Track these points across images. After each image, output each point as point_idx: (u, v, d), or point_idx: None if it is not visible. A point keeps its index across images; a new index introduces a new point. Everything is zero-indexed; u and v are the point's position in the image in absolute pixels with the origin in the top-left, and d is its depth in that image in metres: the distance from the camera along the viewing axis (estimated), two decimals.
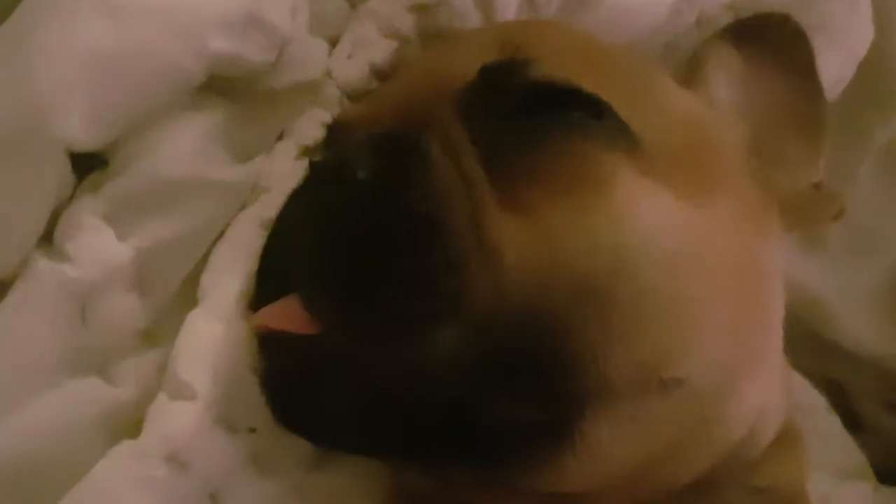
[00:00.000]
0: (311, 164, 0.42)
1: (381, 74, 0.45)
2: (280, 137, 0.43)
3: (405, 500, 0.40)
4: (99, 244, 0.36)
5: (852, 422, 0.61)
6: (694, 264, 0.34)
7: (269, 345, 0.36)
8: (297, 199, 0.37)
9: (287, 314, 0.33)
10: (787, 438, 0.41)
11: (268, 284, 0.37)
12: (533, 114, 0.35)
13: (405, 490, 0.40)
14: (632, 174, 0.35)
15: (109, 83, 0.35)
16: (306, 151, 0.43)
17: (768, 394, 0.39)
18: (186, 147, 0.38)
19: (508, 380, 0.32)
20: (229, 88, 0.40)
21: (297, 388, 0.35)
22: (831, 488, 0.56)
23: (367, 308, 0.32)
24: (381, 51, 0.44)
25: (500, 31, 0.42)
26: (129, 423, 0.36)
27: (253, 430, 0.36)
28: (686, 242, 0.35)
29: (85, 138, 0.35)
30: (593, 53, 0.41)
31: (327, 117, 0.43)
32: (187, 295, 0.39)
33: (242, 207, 0.41)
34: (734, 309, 0.36)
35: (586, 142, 0.34)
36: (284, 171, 0.41)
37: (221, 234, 0.40)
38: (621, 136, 0.35)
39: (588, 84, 0.36)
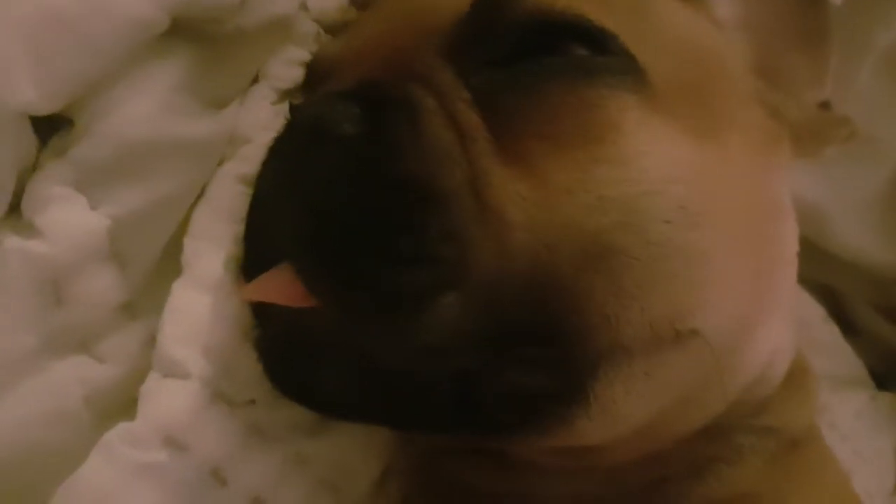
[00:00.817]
0: (292, 109, 0.39)
1: (359, 2, 0.41)
2: (255, 80, 0.40)
3: (407, 458, 0.40)
4: (70, 215, 0.33)
5: (848, 327, 0.61)
6: (707, 211, 0.32)
7: (264, 313, 0.34)
8: (280, 155, 0.34)
9: (280, 287, 0.31)
10: (797, 375, 0.41)
11: (256, 249, 0.35)
12: (531, 53, 0.32)
13: (408, 445, 0.40)
14: (639, 116, 0.32)
15: (62, 42, 0.32)
16: (284, 95, 0.40)
17: (780, 335, 0.38)
18: (154, 102, 0.35)
19: (518, 347, 0.31)
20: (196, 31, 0.37)
21: (296, 357, 0.33)
22: (830, 396, 0.57)
23: (365, 282, 0.30)
24: None
25: None
26: (118, 402, 0.35)
27: (252, 402, 0.34)
28: (698, 188, 0.33)
29: (41, 102, 0.32)
30: None
31: (304, 55, 0.40)
32: (169, 260, 0.36)
33: (221, 162, 0.38)
34: (749, 254, 0.35)
35: (590, 86, 0.32)
36: (262, 118, 0.38)
37: (202, 193, 0.37)
38: (628, 71, 0.33)
39: (589, 10, 0.33)
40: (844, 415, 0.57)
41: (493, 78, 0.32)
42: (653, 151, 0.32)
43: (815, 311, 0.60)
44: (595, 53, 0.32)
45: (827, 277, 0.62)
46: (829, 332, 0.60)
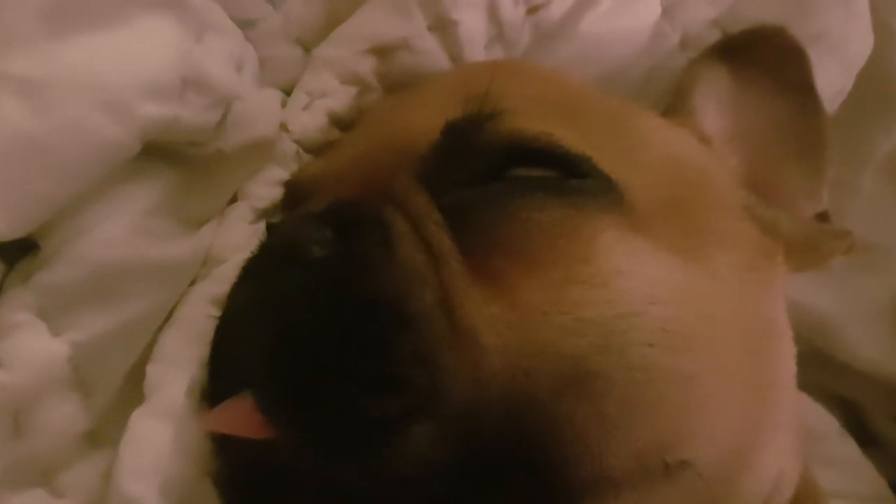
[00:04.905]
0: (268, 228, 0.38)
1: (341, 123, 0.41)
2: (235, 198, 0.40)
3: None
4: (31, 343, 0.32)
5: (867, 437, 0.58)
6: (693, 333, 0.31)
7: (226, 444, 0.33)
8: (250, 277, 0.34)
9: (240, 417, 0.30)
10: (804, 497, 0.38)
11: (222, 374, 0.33)
12: (503, 176, 0.32)
13: None
14: (616, 235, 0.32)
15: (29, 167, 0.31)
16: (263, 214, 0.39)
17: (783, 459, 0.36)
18: (124, 225, 0.35)
19: (495, 478, 0.29)
20: (173, 153, 0.37)
21: (257, 492, 0.31)
22: None
23: (330, 410, 0.28)
24: (339, 98, 0.41)
25: (465, 78, 0.39)
26: None
27: None
28: (683, 309, 0.31)
29: (7, 228, 0.32)
30: (568, 97, 0.37)
31: (284, 175, 0.40)
32: (136, 385, 0.35)
33: (193, 282, 0.37)
34: (742, 377, 0.33)
35: (562, 206, 0.31)
36: (238, 239, 0.38)
37: (170, 315, 0.36)
38: (604, 192, 0.32)
39: (564, 133, 0.33)
40: None
41: (464, 198, 0.32)
42: (631, 271, 0.31)
43: (830, 424, 0.58)
44: (568, 175, 0.32)
45: (842, 388, 0.60)
46: (846, 447, 0.57)
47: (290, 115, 0.40)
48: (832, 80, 0.49)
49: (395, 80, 0.41)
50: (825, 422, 0.57)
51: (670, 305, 0.31)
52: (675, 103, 0.44)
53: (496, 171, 0.32)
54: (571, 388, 0.29)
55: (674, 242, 0.33)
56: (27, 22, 0.33)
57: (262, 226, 0.39)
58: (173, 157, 0.37)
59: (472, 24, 0.41)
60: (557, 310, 0.29)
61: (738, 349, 0.33)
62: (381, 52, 0.40)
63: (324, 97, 0.40)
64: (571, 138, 0.32)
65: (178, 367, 0.34)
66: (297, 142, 0.40)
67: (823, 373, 0.58)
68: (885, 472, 0.57)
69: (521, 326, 0.29)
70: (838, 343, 0.57)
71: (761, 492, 0.35)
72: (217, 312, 0.35)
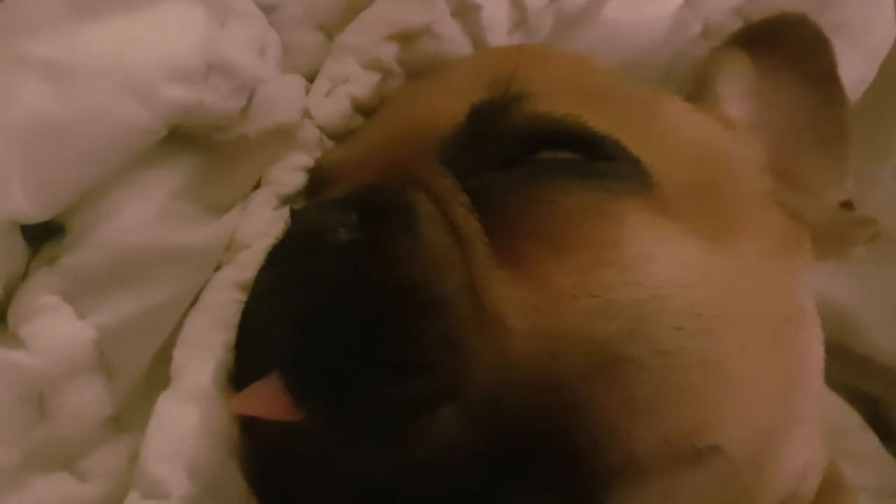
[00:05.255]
0: (292, 213, 0.38)
1: (364, 109, 0.41)
2: (259, 184, 0.39)
3: None
4: (57, 326, 0.33)
5: (886, 433, 0.58)
6: (722, 317, 0.31)
7: (253, 427, 0.32)
8: (276, 261, 0.34)
9: (267, 399, 0.29)
10: (831, 492, 0.38)
11: (247, 359, 0.33)
12: (529, 159, 0.31)
13: None
14: (644, 218, 0.31)
15: (54, 151, 0.31)
16: (286, 200, 0.39)
17: (810, 448, 0.36)
18: (149, 210, 0.35)
19: (521, 464, 0.28)
20: (197, 139, 0.37)
21: (285, 475, 0.31)
22: None
23: (356, 395, 0.28)
24: (362, 84, 0.40)
25: (488, 62, 0.39)
26: None
27: None
28: (711, 292, 0.31)
29: (32, 211, 0.32)
30: (593, 82, 0.37)
31: (308, 161, 0.40)
32: (160, 370, 0.35)
33: (218, 267, 0.37)
34: (769, 362, 0.33)
35: (591, 188, 0.31)
36: (262, 225, 0.37)
37: (196, 300, 0.36)
38: (632, 175, 0.32)
39: (590, 117, 0.33)
40: None
41: (490, 182, 0.32)
42: (660, 255, 0.30)
43: (851, 419, 0.57)
44: (596, 158, 0.32)
45: (863, 383, 0.59)
46: (867, 442, 0.57)
47: (314, 101, 0.40)
48: (854, 69, 0.49)
49: (418, 66, 0.41)
50: (847, 416, 0.57)
51: (699, 289, 0.30)
52: (697, 91, 0.44)
53: (522, 154, 0.32)
54: (599, 371, 0.28)
55: (701, 227, 0.32)
56: (52, 5, 0.33)
57: (285, 211, 0.38)
58: (197, 143, 0.37)
59: (494, 10, 0.41)
60: (585, 293, 0.29)
61: (765, 334, 0.33)
62: (404, 38, 0.40)
63: (346, 83, 0.40)
64: (598, 122, 0.32)
65: (205, 351, 0.34)
66: (320, 128, 0.40)
67: (843, 367, 0.57)
68: None
69: (548, 309, 0.29)
70: (858, 335, 0.57)
71: (789, 479, 0.35)
72: (242, 297, 0.35)
